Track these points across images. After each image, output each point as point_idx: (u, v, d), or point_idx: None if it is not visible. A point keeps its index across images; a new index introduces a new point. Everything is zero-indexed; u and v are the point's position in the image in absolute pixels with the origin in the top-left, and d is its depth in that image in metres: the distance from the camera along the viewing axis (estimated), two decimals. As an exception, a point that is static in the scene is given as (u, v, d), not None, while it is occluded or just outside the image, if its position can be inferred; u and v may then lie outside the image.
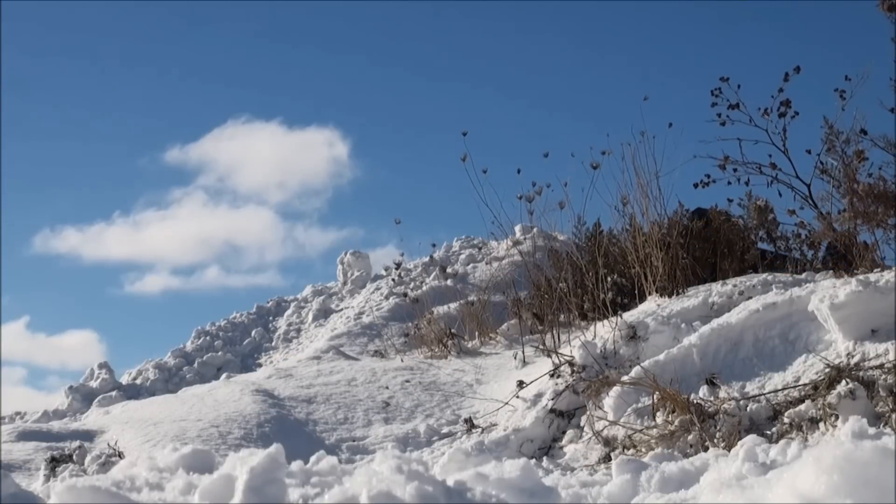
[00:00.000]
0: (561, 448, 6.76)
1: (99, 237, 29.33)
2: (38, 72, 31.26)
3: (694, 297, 8.52)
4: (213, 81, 31.34)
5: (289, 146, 30.51)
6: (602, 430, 6.49)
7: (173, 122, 31.71)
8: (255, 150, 29.48)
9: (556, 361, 7.71)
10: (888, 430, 5.22)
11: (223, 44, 31.33)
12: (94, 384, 14.57)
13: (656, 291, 9.36)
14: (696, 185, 10.66)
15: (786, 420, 5.78)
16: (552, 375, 7.60)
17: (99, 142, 31.41)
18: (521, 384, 7.87)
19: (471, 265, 15.29)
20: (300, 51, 31.04)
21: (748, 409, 5.98)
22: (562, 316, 10.12)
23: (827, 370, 5.89)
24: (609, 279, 9.66)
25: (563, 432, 6.93)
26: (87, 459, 6.90)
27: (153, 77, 31.02)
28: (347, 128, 31.86)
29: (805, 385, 5.96)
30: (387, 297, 14.97)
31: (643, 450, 6.00)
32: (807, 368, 6.18)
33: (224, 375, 12.52)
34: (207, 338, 16.30)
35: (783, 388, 6.07)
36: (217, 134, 30.62)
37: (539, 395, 7.44)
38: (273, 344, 16.05)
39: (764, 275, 8.96)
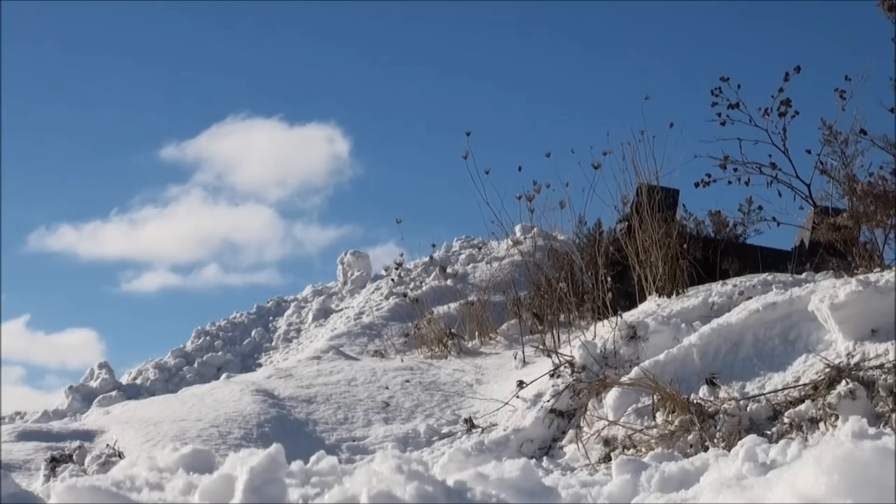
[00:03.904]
0: (561, 448, 6.76)
1: (95, 235, 29.32)
2: (34, 68, 31.26)
3: (694, 297, 8.52)
4: (213, 78, 31.37)
5: (289, 143, 30.51)
6: (602, 430, 6.48)
7: (173, 119, 31.73)
8: (254, 146, 29.48)
9: (556, 361, 7.71)
10: (888, 430, 5.22)
11: (223, 40, 31.34)
12: (94, 384, 14.57)
13: (656, 291, 9.36)
14: (696, 185, 10.68)
15: (786, 420, 5.78)
16: (552, 375, 7.60)
17: (95, 138, 31.39)
18: (521, 384, 7.87)
19: (471, 265, 15.29)
20: (302, 47, 31.07)
21: (748, 409, 5.98)
22: (562, 316, 10.12)
23: (827, 370, 5.89)
24: (609, 279, 9.66)
25: (563, 432, 6.93)
26: (87, 459, 6.89)
27: (152, 73, 31.04)
28: (349, 125, 31.91)
29: (805, 385, 5.96)
30: (387, 297, 14.97)
31: (643, 450, 6.00)
32: (807, 368, 6.18)
33: (224, 375, 12.52)
34: (207, 338, 16.31)
35: (783, 388, 6.07)
36: (215, 130, 30.61)
37: (539, 395, 7.44)
38: (273, 344, 16.05)
39: (764, 275, 8.97)
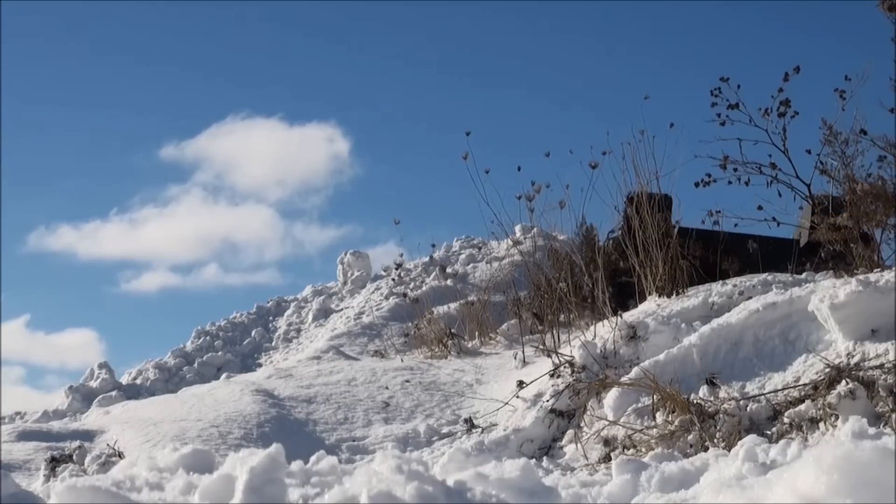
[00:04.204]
0: (561, 448, 6.76)
1: (95, 235, 29.30)
2: (34, 68, 31.26)
3: (694, 297, 8.52)
4: (213, 78, 31.35)
5: (289, 142, 30.49)
6: (602, 430, 6.49)
7: (173, 119, 31.71)
8: (254, 146, 29.47)
9: (556, 361, 7.71)
10: (888, 430, 5.22)
11: (224, 40, 31.34)
12: (94, 384, 14.57)
13: (656, 291, 9.35)
14: (696, 185, 10.66)
15: (786, 420, 5.79)
16: (552, 375, 7.60)
17: (95, 138, 31.38)
18: (521, 384, 7.88)
19: (471, 265, 15.29)
20: (301, 47, 31.06)
21: (748, 409, 5.98)
22: (562, 316, 10.12)
23: (827, 370, 5.89)
24: (605, 281, 9.65)
25: (563, 432, 6.93)
26: (87, 459, 6.89)
27: (152, 73, 31.03)
28: (349, 125, 31.91)
29: (805, 385, 5.97)
30: (387, 297, 14.98)
31: (643, 450, 6.00)
32: (807, 368, 6.18)
33: (224, 375, 12.53)
34: (207, 338, 16.31)
35: (783, 388, 6.07)
36: (215, 130, 30.60)
37: (539, 395, 7.45)
38: (273, 344, 16.06)
39: (764, 275, 8.96)
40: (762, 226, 10.51)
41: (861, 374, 5.74)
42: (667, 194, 10.30)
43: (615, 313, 8.53)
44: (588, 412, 6.82)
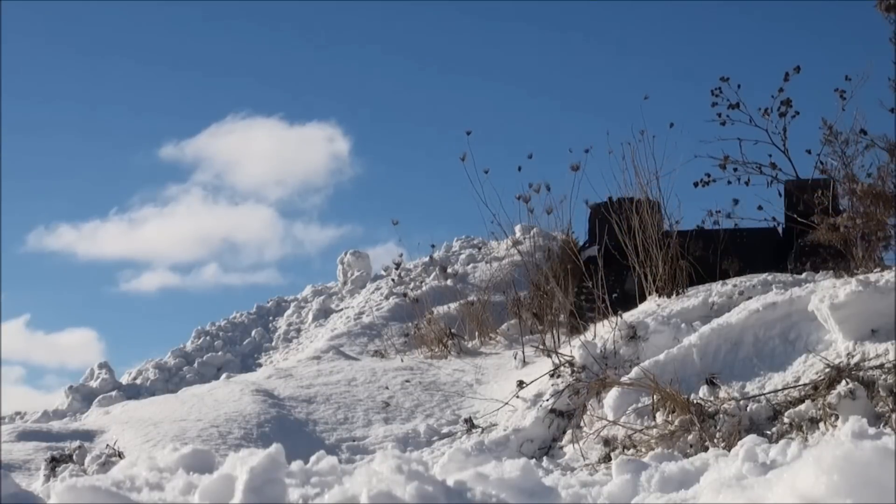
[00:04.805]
0: (561, 448, 6.76)
1: (94, 234, 29.23)
2: (33, 67, 31.21)
3: (694, 297, 8.52)
4: (213, 78, 31.27)
5: (289, 142, 30.40)
6: (602, 430, 6.49)
7: (172, 118, 31.60)
8: (254, 145, 29.39)
9: (556, 361, 7.71)
10: (888, 430, 5.23)
11: (223, 40, 31.28)
12: (94, 384, 14.57)
13: (656, 291, 9.35)
14: (696, 185, 10.67)
15: (786, 420, 5.79)
16: (552, 375, 7.61)
17: (94, 137, 31.30)
18: (521, 384, 7.88)
19: (471, 265, 15.29)
20: (301, 47, 31.02)
21: (748, 409, 5.98)
22: (562, 316, 10.12)
23: (827, 370, 5.89)
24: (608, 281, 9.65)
25: (563, 432, 6.93)
26: (87, 459, 6.89)
27: (152, 73, 30.97)
28: (348, 124, 31.85)
29: (805, 385, 5.97)
30: (387, 297, 14.97)
31: (643, 450, 6.00)
32: (807, 368, 6.18)
33: (224, 375, 12.52)
34: (207, 338, 16.31)
35: (783, 388, 6.07)
36: (215, 129, 30.47)
37: (539, 395, 7.45)
38: (273, 344, 16.05)
39: (764, 275, 8.96)
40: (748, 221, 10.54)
41: (861, 374, 5.74)
42: (632, 197, 10.25)
43: (615, 312, 8.52)
44: (588, 412, 6.83)
